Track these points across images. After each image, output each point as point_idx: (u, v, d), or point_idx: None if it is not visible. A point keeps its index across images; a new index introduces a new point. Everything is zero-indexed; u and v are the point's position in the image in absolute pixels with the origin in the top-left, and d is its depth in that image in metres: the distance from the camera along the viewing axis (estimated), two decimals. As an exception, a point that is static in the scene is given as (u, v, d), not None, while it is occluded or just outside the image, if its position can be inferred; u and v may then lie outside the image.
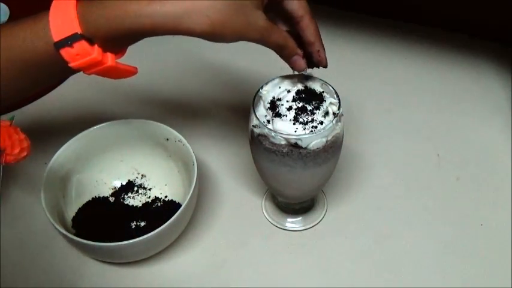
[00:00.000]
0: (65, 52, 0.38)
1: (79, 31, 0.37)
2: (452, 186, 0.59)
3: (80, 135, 0.55)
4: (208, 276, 0.52)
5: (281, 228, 0.56)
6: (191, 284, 0.52)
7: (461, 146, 0.63)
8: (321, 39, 0.45)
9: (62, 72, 0.40)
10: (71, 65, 0.38)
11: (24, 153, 0.41)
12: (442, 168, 0.61)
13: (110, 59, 0.39)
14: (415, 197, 0.58)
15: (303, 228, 0.56)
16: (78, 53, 0.38)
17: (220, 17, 0.38)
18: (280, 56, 0.45)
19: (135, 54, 0.81)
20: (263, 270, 0.52)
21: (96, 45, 0.38)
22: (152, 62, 0.77)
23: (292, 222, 0.56)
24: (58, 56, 0.38)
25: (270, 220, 0.57)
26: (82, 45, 0.37)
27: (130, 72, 0.42)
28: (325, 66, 0.46)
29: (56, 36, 0.38)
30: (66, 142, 0.55)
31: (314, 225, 0.56)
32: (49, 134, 0.62)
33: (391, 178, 0.60)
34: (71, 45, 0.37)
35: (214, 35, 0.39)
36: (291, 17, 0.44)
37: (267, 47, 0.43)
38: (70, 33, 0.37)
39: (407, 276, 0.51)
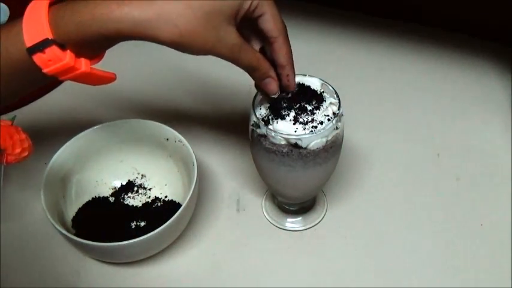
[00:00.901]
0: (37, 58, 0.37)
1: (50, 36, 0.37)
2: (452, 186, 0.59)
3: (79, 135, 0.55)
4: (208, 276, 0.52)
5: (281, 228, 0.56)
6: (191, 284, 0.52)
7: (461, 146, 0.63)
8: (293, 62, 0.44)
9: (38, 79, 0.39)
10: (44, 71, 0.37)
11: (26, 153, 0.41)
12: (442, 168, 0.61)
13: (83, 64, 0.38)
14: (415, 197, 0.58)
15: (303, 228, 0.56)
16: (50, 59, 0.37)
17: (190, 27, 0.37)
18: (251, 76, 0.44)
19: (135, 55, 0.81)
20: (263, 270, 0.52)
21: (68, 51, 0.37)
22: (152, 63, 0.77)
23: (292, 222, 0.56)
24: (32, 62, 0.37)
25: (270, 220, 0.57)
26: (53, 50, 0.37)
27: (108, 78, 0.41)
28: (293, 91, 0.46)
29: (29, 42, 0.37)
30: (66, 142, 0.55)
31: (314, 225, 0.56)
32: (49, 134, 0.62)
33: (391, 178, 0.60)
34: (42, 51, 0.37)
35: (181, 45, 0.38)
36: (265, 36, 0.42)
37: (238, 65, 0.42)
38: (41, 39, 0.37)
39: (407, 276, 0.51)
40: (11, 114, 0.47)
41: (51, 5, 0.38)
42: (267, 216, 0.57)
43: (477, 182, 0.59)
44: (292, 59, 0.44)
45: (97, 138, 0.57)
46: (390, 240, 0.54)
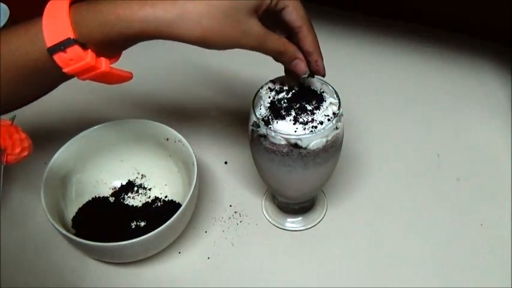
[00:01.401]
0: (58, 57, 0.37)
1: (72, 36, 0.37)
2: (452, 186, 0.59)
3: (80, 135, 0.55)
4: (208, 276, 0.52)
5: (281, 228, 0.56)
6: (191, 284, 0.52)
7: (461, 146, 0.63)
8: (319, 49, 0.45)
9: (57, 78, 0.40)
10: (64, 70, 0.38)
11: (25, 153, 0.41)
12: (442, 168, 0.61)
13: (103, 64, 0.39)
14: (415, 197, 0.58)
15: (303, 228, 0.56)
16: (72, 58, 0.37)
17: (213, 24, 0.38)
18: (280, 61, 0.45)
19: (135, 55, 0.80)
20: (263, 270, 0.52)
21: (89, 50, 0.38)
22: (153, 63, 0.77)
23: (292, 222, 0.56)
24: (52, 61, 0.38)
25: (270, 220, 0.57)
26: (75, 50, 0.37)
27: (125, 77, 0.42)
28: (323, 75, 0.46)
29: (49, 42, 0.37)
30: (66, 142, 0.55)
31: (314, 225, 0.56)
32: (49, 134, 0.62)
33: (391, 178, 0.60)
34: (64, 51, 0.37)
35: (206, 42, 0.39)
36: (289, 27, 0.43)
37: (265, 53, 0.43)
38: (63, 39, 0.37)
39: (408, 276, 0.51)
40: (10, 114, 0.47)
41: (71, 4, 0.38)
42: (267, 216, 0.57)
43: (477, 182, 0.59)
44: (318, 45, 0.45)
45: (97, 138, 0.57)
46: (390, 240, 0.54)
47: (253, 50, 0.41)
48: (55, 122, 0.68)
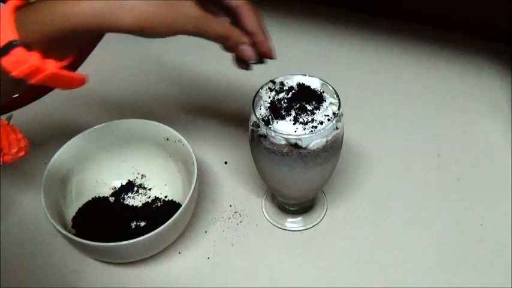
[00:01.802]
0: (5, 61, 0.37)
1: (16, 37, 0.36)
2: (452, 186, 0.59)
3: (79, 135, 0.55)
4: (208, 276, 0.52)
5: (281, 228, 0.56)
6: (191, 284, 0.52)
7: (461, 146, 0.63)
8: (264, 28, 0.43)
9: (13, 84, 0.39)
10: (12, 74, 0.37)
11: (22, 153, 0.41)
12: (442, 168, 0.61)
13: (50, 65, 0.38)
14: (415, 197, 0.58)
15: (303, 228, 0.56)
16: (17, 61, 0.37)
17: (149, 9, 0.37)
18: (225, 48, 0.43)
19: (135, 55, 0.81)
20: (263, 270, 0.52)
21: (34, 52, 0.37)
22: (152, 62, 0.77)
23: (292, 222, 0.56)
24: (1, 66, 0.37)
25: (270, 220, 0.57)
26: (19, 52, 0.36)
27: (78, 80, 0.41)
28: (273, 58, 0.44)
29: None
30: (66, 142, 0.55)
31: (314, 225, 0.56)
32: (49, 134, 0.62)
33: (391, 178, 0.60)
34: (9, 53, 0.36)
35: (143, 29, 0.38)
36: (229, 8, 0.42)
37: (207, 38, 0.41)
38: (8, 41, 0.36)
39: (408, 276, 0.51)
40: (7, 114, 0.47)
41: (19, 8, 0.38)
42: (267, 216, 0.57)
43: (477, 182, 0.59)
44: (261, 24, 0.43)
45: (97, 138, 0.57)
46: (390, 240, 0.54)
47: (192, 34, 0.40)
48: (55, 122, 0.68)
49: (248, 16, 0.42)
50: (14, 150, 0.41)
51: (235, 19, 0.43)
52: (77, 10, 0.37)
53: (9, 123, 0.43)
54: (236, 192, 0.59)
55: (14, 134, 0.41)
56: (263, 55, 0.44)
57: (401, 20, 0.79)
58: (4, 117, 0.44)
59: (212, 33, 0.41)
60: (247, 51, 0.43)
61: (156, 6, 0.37)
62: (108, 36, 0.80)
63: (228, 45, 0.43)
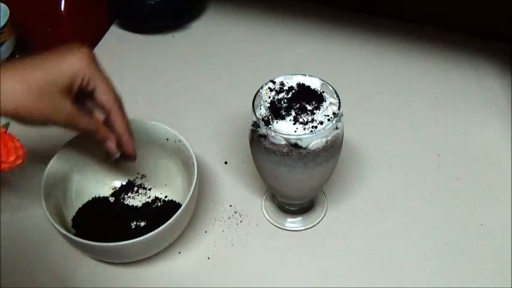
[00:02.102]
0: None
1: None
2: (452, 186, 0.59)
3: (80, 135, 0.55)
4: (208, 276, 0.52)
5: (281, 228, 0.56)
6: (191, 283, 0.52)
7: (461, 146, 0.63)
8: (130, 130, 0.49)
9: None
10: None
11: (20, 161, 0.42)
12: (442, 168, 0.61)
13: None
14: (415, 197, 0.58)
15: (303, 228, 0.56)
16: None
17: (27, 99, 0.41)
18: (93, 140, 0.48)
19: (135, 56, 0.80)
20: (263, 270, 0.52)
21: None
22: (153, 63, 0.77)
23: (292, 222, 0.56)
24: None
25: (270, 220, 0.57)
26: None
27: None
28: (132, 157, 0.51)
29: None
30: (66, 142, 0.55)
31: (314, 225, 0.56)
32: (49, 134, 0.62)
33: (391, 178, 0.60)
34: None
35: (19, 116, 0.41)
36: (103, 108, 0.47)
37: (78, 132, 0.47)
38: None
39: (408, 276, 0.51)
40: (4, 121, 0.47)
41: None
42: (267, 216, 0.57)
43: (477, 182, 0.59)
44: (128, 127, 0.49)
45: (97, 138, 0.57)
46: (390, 240, 0.54)
47: (64, 127, 0.45)
48: (55, 122, 0.68)
49: (117, 119, 0.48)
50: (12, 158, 0.41)
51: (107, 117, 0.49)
52: None
53: (7, 131, 0.44)
54: (236, 192, 0.59)
55: (12, 142, 0.41)
56: (126, 154, 0.51)
57: (401, 20, 0.79)
58: (1, 124, 0.44)
59: (82, 128, 0.46)
60: (111, 147, 0.49)
61: (34, 99, 0.41)
62: (108, 36, 0.80)
63: (96, 139, 0.48)
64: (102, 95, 0.46)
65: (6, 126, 0.43)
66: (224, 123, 0.67)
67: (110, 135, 0.48)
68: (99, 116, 0.48)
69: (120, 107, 0.48)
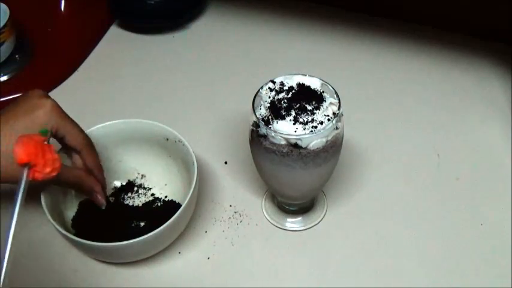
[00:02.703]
0: None
1: None
2: (452, 186, 0.59)
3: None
4: (208, 276, 0.52)
5: (281, 228, 0.56)
6: (191, 284, 0.52)
7: (461, 146, 0.63)
8: (99, 166, 0.52)
9: None
10: None
11: (54, 173, 0.41)
12: (442, 168, 0.61)
13: None
14: (415, 197, 0.58)
15: (303, 228, 0.56)
16: None
17: (4, 166, 0.43)
18: (81, 193, 0.52)
19: (135, 55, 0.81)
20: (263, 270, 0.52)
21: None
22: (152, 63, 0.77)
23: (292, 222, 0.56)
24: None
25: (270, 220, 0.57)
26: None
27: None
28: (100, 203, 0.53)
29: None
30: (66, 142, 0.55)
31: (314, 225, 0.56)
32: (49, 134, 0.62)
33: (391, 178, 0.60)
34: None
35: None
36: (74, 150, 0.50)
37: (64, 186, 0.51)
38: None
39: (408, 276, 0.51)
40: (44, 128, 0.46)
41: None
42: (267, 216, 0.57)
43: (477, 182, 0.59)
44: (97, 162, 0.52)
45: (97, 138, 0.56)
46: (390, 240, 0.54)
47: (49, 183, 0.47)
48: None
49: (88, 158, 0.51)
50: (48, 169, 0.40)
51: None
52: None
53: (48, 141, 0.43)
54: (236, 192, 0.59)
55: (51, 153, 0.40)
56: (100, 183, 0.53)
57: (401, 20, 0.79)
58: (41, 132, 0.43)
59: (65, 180, 0.48)
60: (98, 199, 0.52)
61: (11, 163, 0.41)
62: (108, 36, 0.80)
63: (83, 190, 0.51)
64: (72, 141, 0.49)
65: (45, 134, 0.42)
66: (224, 123, 0.67)
67: (96, 187, 0.51)
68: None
69: (90, 146, 0.51)
